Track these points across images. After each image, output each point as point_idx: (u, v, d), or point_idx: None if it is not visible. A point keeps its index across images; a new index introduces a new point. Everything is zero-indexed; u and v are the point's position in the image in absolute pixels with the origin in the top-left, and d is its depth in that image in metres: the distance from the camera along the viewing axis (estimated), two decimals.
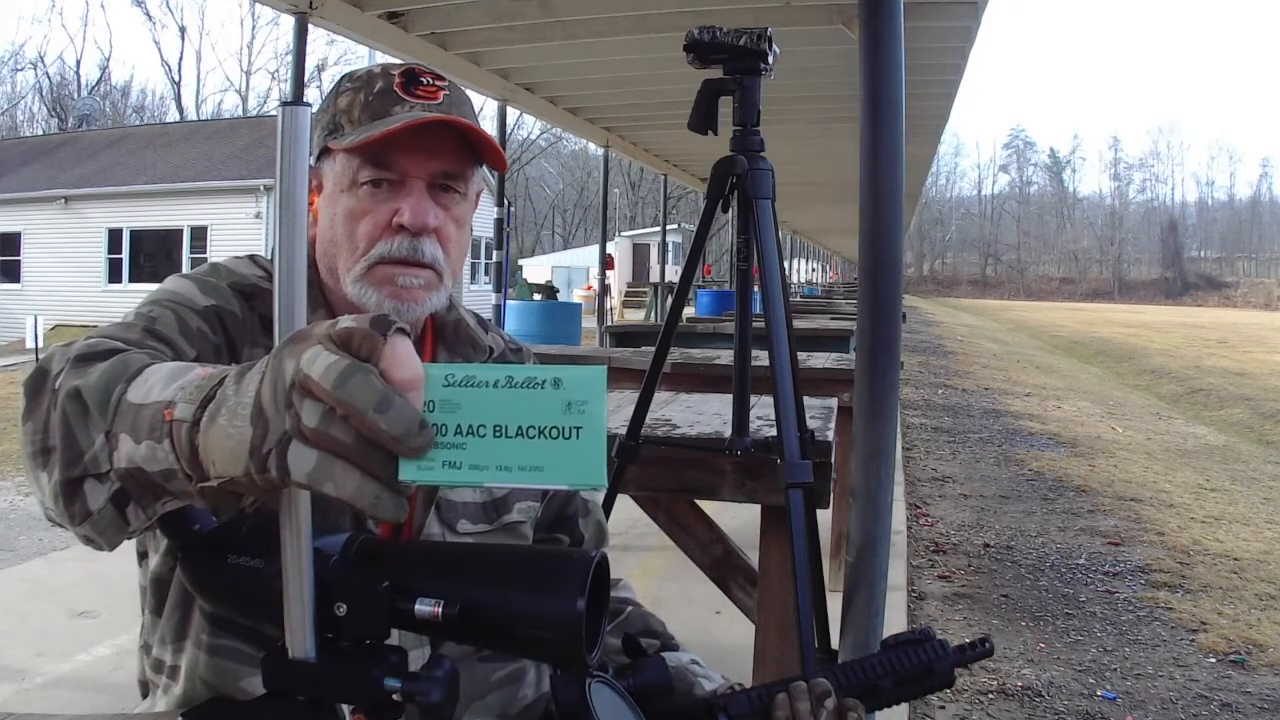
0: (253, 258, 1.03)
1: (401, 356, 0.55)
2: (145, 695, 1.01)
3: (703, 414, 2.40)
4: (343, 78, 1.01)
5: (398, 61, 1.01)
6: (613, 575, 1.17)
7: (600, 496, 1.22)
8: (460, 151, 0.98)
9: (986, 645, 0.95)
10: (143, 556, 0.98)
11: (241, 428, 0.56)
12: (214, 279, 0.97)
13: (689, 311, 10.21)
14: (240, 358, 0.93)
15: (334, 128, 0.97)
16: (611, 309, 16.96)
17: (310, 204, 0.98)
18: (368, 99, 0.96)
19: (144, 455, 0.61)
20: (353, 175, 0.96)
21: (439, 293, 0.99)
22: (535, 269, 31.28)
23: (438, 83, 0.99)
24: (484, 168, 1.04)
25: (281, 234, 0.60)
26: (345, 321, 0.56)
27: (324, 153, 0.98)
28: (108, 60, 69.43)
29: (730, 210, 1.95)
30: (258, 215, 17.95)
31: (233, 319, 0.95)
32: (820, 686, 0.94)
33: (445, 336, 1.07)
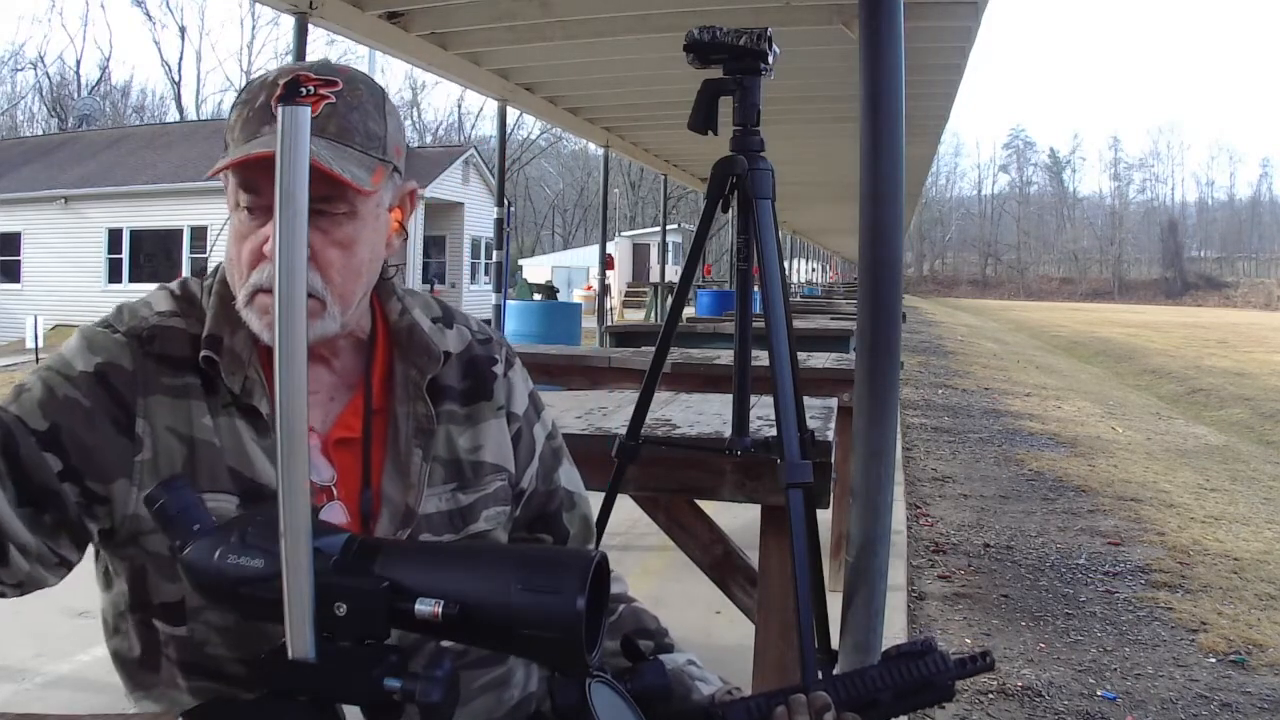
0: (175, 287, 1.01)
1: None
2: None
3: (703, 414, 2.40)
4: (244, 86, 0.97)
5: (302, 64, 0.96)
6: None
7: (582, 489, 1.20)
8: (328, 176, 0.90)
9: (987, 659, 0.94)
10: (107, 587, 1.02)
11: None
12: (107, 331, 0.95)
13: (689, 311, 10.21)
14: (134, 411, 0.92)
15: (224, 146, 0.94)
16: (611, 309, 16.96)
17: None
18: (248, 115, 0.92)
19: None
20: (234, 198, 0.93)
21: (323, 320, 0.93)
22: (535, 269, 31.26)
23: (323, 90, 0.92)
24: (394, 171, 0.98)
25: (281, 234, 0.61)
26: None
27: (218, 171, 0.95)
28: (108, 60, 69.46)
29: (730, 210, 1.95)
30: None
31: (119, 374, 0.93)
32: (819, 700, 0.93)
33: (400, 342, 1.03)
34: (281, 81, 0.92)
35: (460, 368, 1.07)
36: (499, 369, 1.10)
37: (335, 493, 0.98)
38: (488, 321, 1.14)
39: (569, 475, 1.17)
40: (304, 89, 0.91)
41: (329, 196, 0.91)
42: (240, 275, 0.94)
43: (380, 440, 1.01)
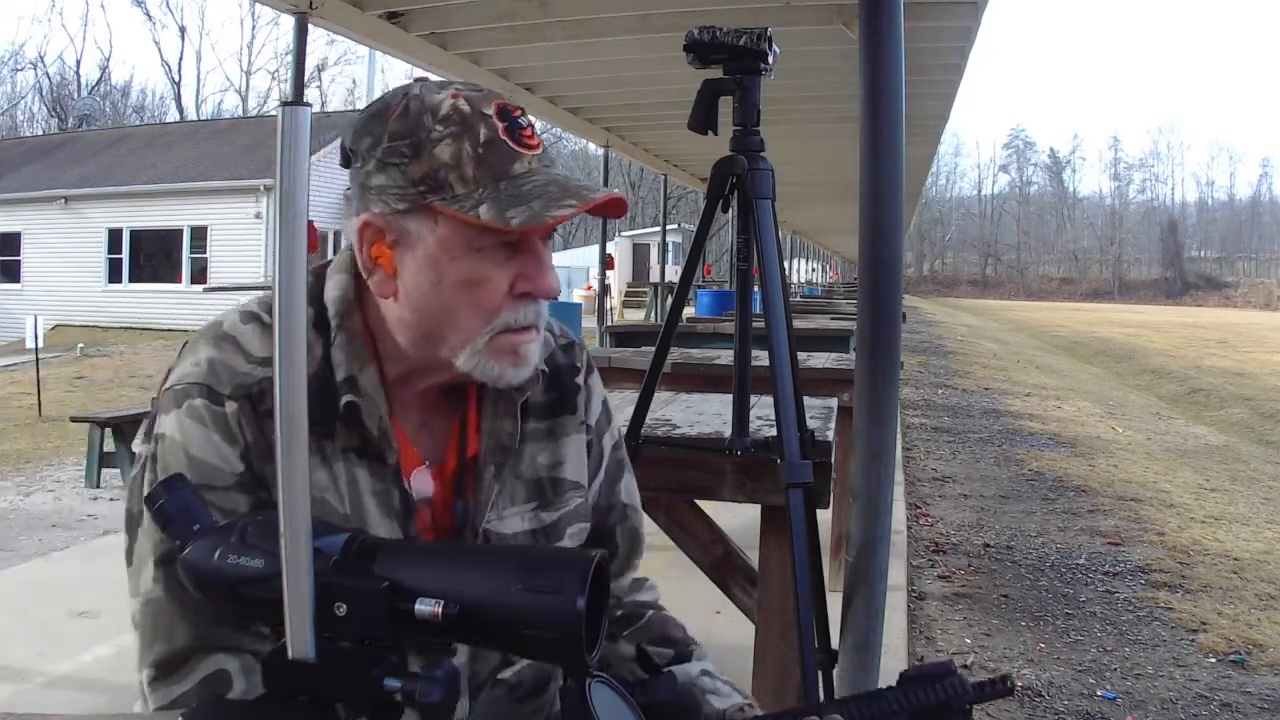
0: (263, 313, 0.92)
1: None
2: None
3: (703, 414, 2.40)
4: (419, 112, 0.87)
5: (469, 86, 0.90)
6: (637, 575, 1.14)
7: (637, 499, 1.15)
8: None
9: (1007, 684, 0.91)
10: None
11: None
12: (221, 411, 0.87)
13: (689, 311, 10.21)
14: (264, 476, 0.86)
15: (438, 184, 0.85)
16: (611, 309, 16.96)
17: (377, 258, 0.89)
18: (477, 151, 0.86)
19: None
20: (469, 241, 0.86)
21: (541, 349, 0.94)
22: None
23: (526, 119, 0.90)
24: None
25: (281, 234, 0.61)
26: None
27: (421, 209, 0.87)
28: (108, 60, 69.53)
29: (730, 210, 1.95)
30: (258, 215, 17.95)
31: (258, 451, 0.87)
32: None
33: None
34: (492, 113, 0.88)
35: (545, 379, 1.02)
36: (580, 378, 1.07)
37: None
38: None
39: (629, 488, 1.13)
40: (520, 120, 0.89)
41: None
42: (476, 321, 0.88)
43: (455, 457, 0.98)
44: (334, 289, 0.93)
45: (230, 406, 0.87)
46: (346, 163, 0.91)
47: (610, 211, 0.89)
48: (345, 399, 0.89)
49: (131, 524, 0.89)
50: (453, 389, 0.98)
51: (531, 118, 0.92)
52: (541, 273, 0.89)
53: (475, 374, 0.90)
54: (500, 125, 0.87)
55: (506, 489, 0.99)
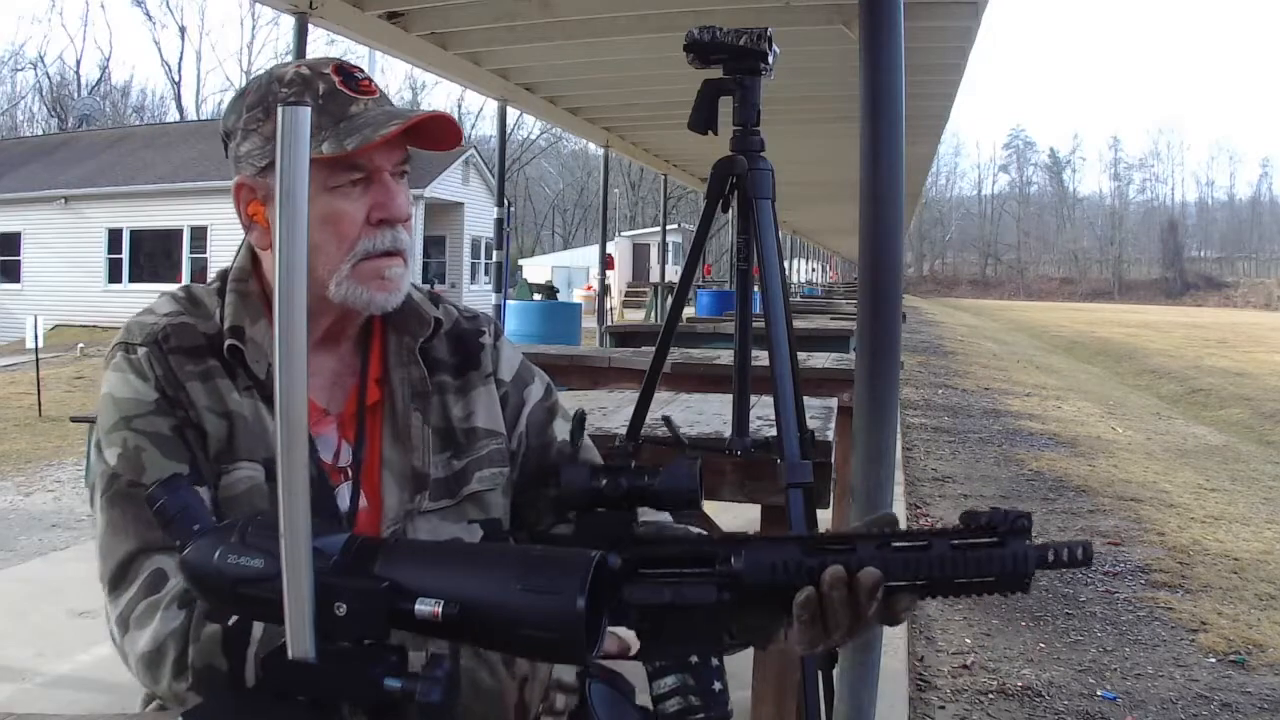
0: (178, 290, 1.06)
1: (608, 646, 0.80)
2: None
3: (703, 414, 2.40)
4: (268, 81, 1.01)
5: (315, 59, 1.04)
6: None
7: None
8: (405, 139, 1.01)
9: (1083, 553, 0.77)
10: None
11: (490, 705, 0.87)
12: (127, 354, 1.00)
13: (689, 311, 10.22)
14: (186, 405, 0.98)
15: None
16: (611, 309, 16.96)
17: (253, 215, 1.03)
18: (318, 102, 0.97)
19: None
20: (322, 181, 0.97)
21: (409, 274, 1.04)
22: (535, 269, 31.26)
23: (364, 73, 1.02)
24: None
25: (282, 234, 0.61)
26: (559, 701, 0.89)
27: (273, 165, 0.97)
28: (108, 60, 69.50)
29: (730, 210, 1.95)
30: None
31: (168, 381, 0.99)
32: (870, 577, 0.77)
33: (390, 317, 1.07)
34: (329, 69, 1.00)
35: (450, 343, 1.12)
36: (486, 339, 1.15)
37: (349, 474, 1.02)
38: None
39: (564, 428, 1.18)
40: (356, 74, 1.01)
41: (408, 160, 1.02)
42: (338, 252, 0.98)
43: (378, 410, 1.06)
44: (236, 261, 1.07)
45: (140, 351, 0.99)
46: (225, 146, 1.05)
47: (436, 138, 1.01)
48: (228, 343, 1.00)
49: (92, 491, 1.00)
50: (356, 344, 1.07)
51: (370, 73, 1.03)
52: (391, 199, 1.00)
53: (349, 302, 1.00)
54: (337, 80, 0.99)
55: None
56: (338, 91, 0.98)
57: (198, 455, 0.97)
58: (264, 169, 1.00)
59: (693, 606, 0.80)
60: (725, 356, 3.33)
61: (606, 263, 8.79)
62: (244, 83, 1.06)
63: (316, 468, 0.99)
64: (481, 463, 1.08)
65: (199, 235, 18.70)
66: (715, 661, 0.81)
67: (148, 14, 58.65)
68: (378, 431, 1.05)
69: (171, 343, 0.99)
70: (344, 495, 1.01)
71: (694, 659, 0.81)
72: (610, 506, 0.83)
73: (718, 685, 0.81)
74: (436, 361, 1.10)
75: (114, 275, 19.58)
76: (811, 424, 1.98)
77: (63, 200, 19.77)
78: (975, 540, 0.78)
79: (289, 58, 3.97)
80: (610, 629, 0.80)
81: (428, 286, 1.21)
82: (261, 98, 1.00)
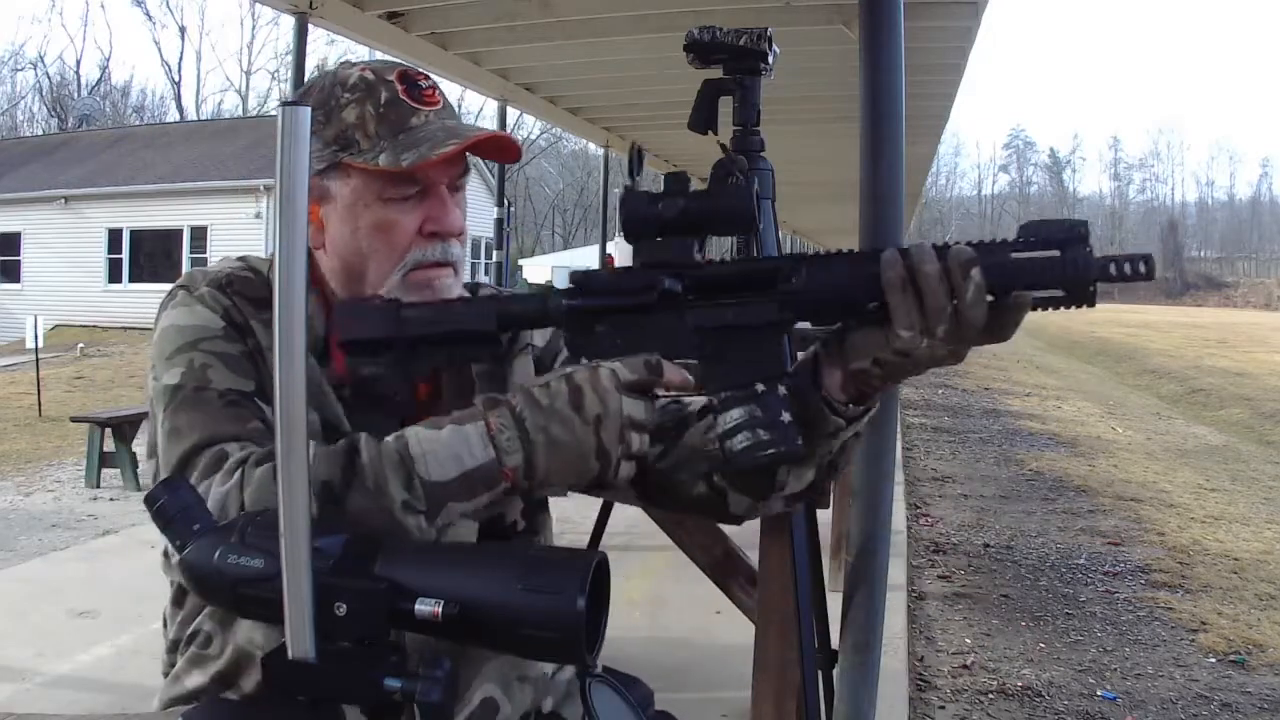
0: (235, 259, 1.07)
1: (671, 377, 0.83)
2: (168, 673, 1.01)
3: None
4: (332, 84, 1.01)
5: (380, 61, 1.04)
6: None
7: None
8: (465, 154, 1.02)
9: (1144, 267, 0.74)
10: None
11: (571, 459, 0.83)
12: (198, 293, 1.00)
13: None
14: (246, 328, 0.98)
15: (347, 143, 0.98)
16: None
17: (311, 215, 1.00)
18: (378, 111, 0.98)
19: (478, 505, 0.83)
20: (378, 191, 0.98)
21: (458, 285, 1.04)
22: (535, 269, 31.22)
23: (429, 81, 1.02)
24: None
25: (282, 234, 0.61)
26: (627, 374, 0.83)
27: (335, 167, 0.99)
28: (108, 60, 69.52)
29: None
30: (258, 215, 17.94)
31: (235, 313, 0.99)
32: (965, 254, 0.76)
33: None
34: (393, 77, 1.00)
35: None
36: None
37: None
38: None
39: None
40: (420, 83, 1.01)
41: (465, 174, 1.04)
42: (389, 260, 0.99)
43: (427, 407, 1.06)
44: None
45: (205, 289, 0.99)
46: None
47: (496, 152, 1.04)
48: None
49: (153, 401, 0.97)
50: None
51: (436, 80, 1.04)
52: (446, 213, 1.01)
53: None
54: (400, 88, 1.00)
55: None
56: (399, 100, 0.99)
57: (265, 376, 0.96)
58: (322, 171, 0.99)
59: (755, 327, 0.80)
60: None
61: (606, 263, 8.78)
62: (295, 80, 1.11)
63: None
64: None
65: (199, 235, 18.67)
66: (782, 390, 0.81)
67: (148, 14, 58.82)
68: None
69: (236, 287, 1.00)
70: None
71: (760, 387, 0.80)
72: (669, 231, 0.82)
73: (786, 416, 0.81)
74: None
75: (114, 275, 19.56)
76: None
77: (63, 200, 19.76)
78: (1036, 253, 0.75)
79: (289, 58, 3.98)
80: (672, 363, 0.84)
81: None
82: (324, 101, 1.00)
